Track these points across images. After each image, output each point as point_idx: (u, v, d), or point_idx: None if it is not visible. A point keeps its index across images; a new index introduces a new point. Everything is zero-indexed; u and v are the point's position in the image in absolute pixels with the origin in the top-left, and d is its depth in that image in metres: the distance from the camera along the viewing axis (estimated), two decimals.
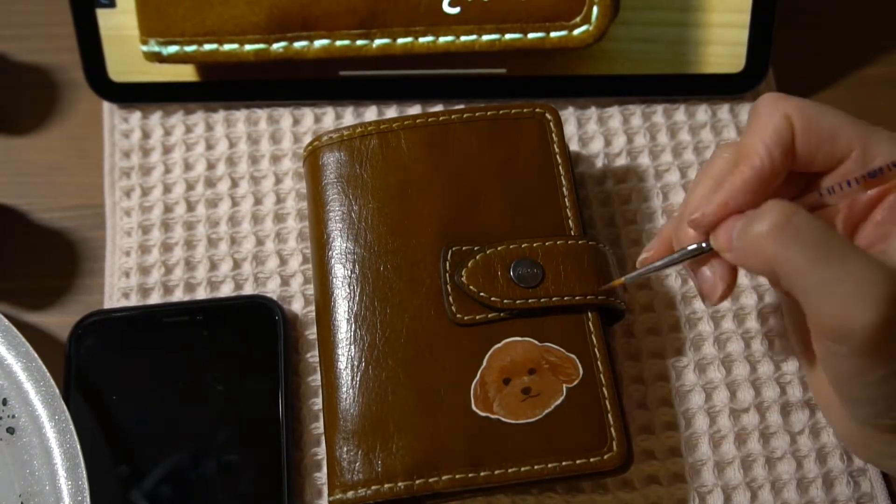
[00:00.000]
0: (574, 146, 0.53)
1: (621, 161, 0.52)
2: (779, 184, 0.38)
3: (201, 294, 0.49)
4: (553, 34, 0.51)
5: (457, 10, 0.50)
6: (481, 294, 0.42)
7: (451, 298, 0.43)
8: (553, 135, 0.46)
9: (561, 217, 0.45)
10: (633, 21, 0.51)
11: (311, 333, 0.48)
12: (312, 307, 0.49)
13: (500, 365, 0.42)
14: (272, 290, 0.49)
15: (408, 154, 0.46)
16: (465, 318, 0.43)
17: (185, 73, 0.53)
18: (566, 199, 0.45)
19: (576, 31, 0.50)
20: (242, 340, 0.47)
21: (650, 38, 0.52)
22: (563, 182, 0.46)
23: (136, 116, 0.54)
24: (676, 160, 0.52)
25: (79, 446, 0.41)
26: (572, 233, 0.44)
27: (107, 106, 0.54)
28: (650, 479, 0.45)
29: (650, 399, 0.46)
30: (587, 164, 0.52)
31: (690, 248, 0.39)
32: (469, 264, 0.43)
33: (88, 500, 0.40)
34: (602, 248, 0.44)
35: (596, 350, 0.42)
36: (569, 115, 0.54)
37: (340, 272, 0.44)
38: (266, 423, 0.45)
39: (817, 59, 0.57)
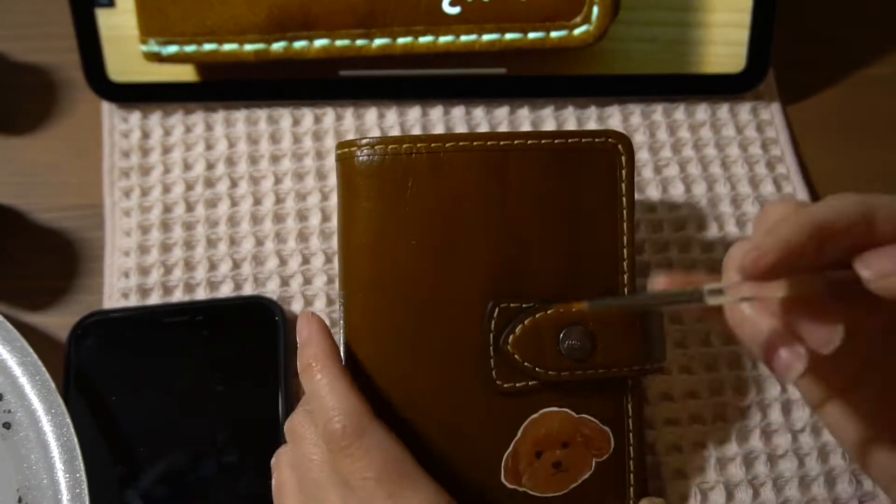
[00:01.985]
0: None
1: None
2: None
3: (201, 294, 0.49)
4: (553, 34, 0.51)
5: (457, 9, 0.50)
6: (526, 364, 0.39)
7: (492, 362, 0.39)
8: (623, 171, 0.41)
9: (616, 273, 0.40)
10: (633, 21, 0.51)
11: None
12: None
13: (534, 437, 0.40)
14: (272, 290, 0.49)
15: (460, 183, 0.39)
16: (506, 385, 0.39)
17: (185, 73, 0.52)
18: (625, 251, 0.41)
19: (576, 31, 0.50)
20: (242, 341, 0.47)
21: (650, 38, 0.52)
22: (625, 230, 0.41)
23: (135, 116, 0.54)
24: (675, 156, 0.52)
25: (76, 439, 0.41)
26: (626, 290, 0.41)
27: (106, 106, 0.54)
28: (650, 473, 0.45)
29: (651, 393, 0.46)
30: None
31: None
32: (517, 330, 0.39)
33: (86, 492, 0.40)
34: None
35: (630, 422, 0.41)
36: (568, 115, 0.54)
37: (364, 317, 0.40)
38: (265, 424, 0.45)
39: (817, 59, 0.57)
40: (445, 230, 0.39)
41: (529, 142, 0.40)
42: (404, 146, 0.39)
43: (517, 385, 0.39)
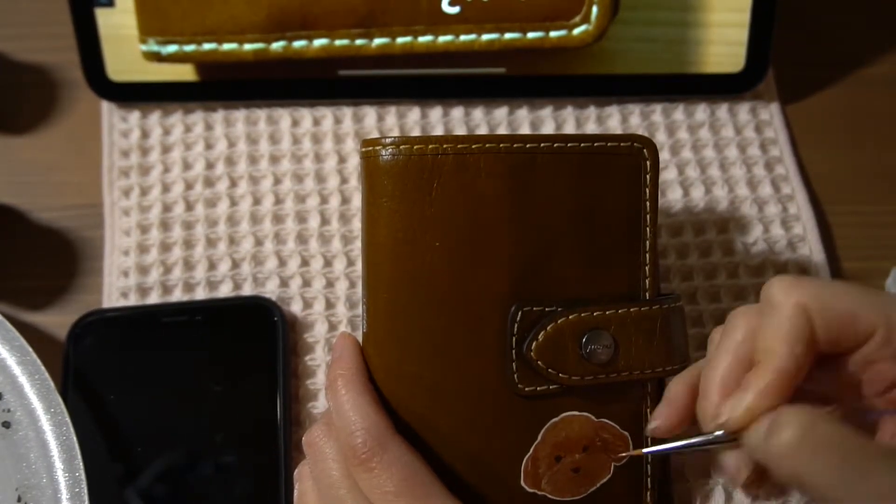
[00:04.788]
0: None
1: None
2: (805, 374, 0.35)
3: (200, 293, 0.49)
4: (552, 34, 0.51)
5: (456, 9, 0.50)
6: (549, 371, 0.39)
7: (514, 366, 0.39)
8: (647, 177, 0.40)
9: (638, 277, 0.40)
10: (633, 21, 0.51)
11: (310, 336, 0.48)
12: (311, 310, 0.49)
13: (554, 441, 0.39)
14: (271, 290, 0.49)
15: (485, 185, 0.39)
16: (527, 389, 0.39)
17: (185, 73, 0.53)
18: (647, 256, 0.40)
19: (575, 31, 0.50)
20: (241, 341, 0.47)
21: (650, 38, 0.52)
22: (648, 235, 0.40)
23: (134, 116, 0.54)
24: (674, 158, 0.52)
25: (75, 438, 0.41)
26: (647, 294, 0.40)
27: (106, 105, 0.54)
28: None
29: None
30: None
31: (717, 434, 0.36)
32: (539, 337, 0.39)
33: (86, 491, 0.40)
34: (677, 307, 0.41)
35: None
36: (567, 115, 0.54)
37: (386, 316, 0.39)
38: (264, 425, 0.45)
39: (817, 59, 0.57)
40: (470, 231, 0.39)
41: (556, 145, 0.39)
42: (430, 146, 0.38)
43: (538, 389, 0.39)
